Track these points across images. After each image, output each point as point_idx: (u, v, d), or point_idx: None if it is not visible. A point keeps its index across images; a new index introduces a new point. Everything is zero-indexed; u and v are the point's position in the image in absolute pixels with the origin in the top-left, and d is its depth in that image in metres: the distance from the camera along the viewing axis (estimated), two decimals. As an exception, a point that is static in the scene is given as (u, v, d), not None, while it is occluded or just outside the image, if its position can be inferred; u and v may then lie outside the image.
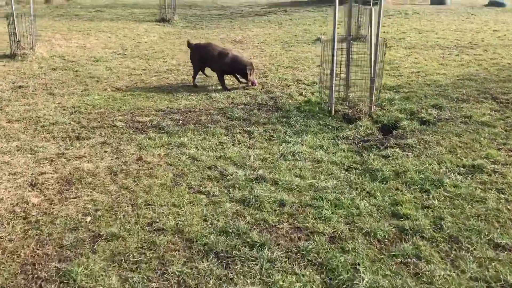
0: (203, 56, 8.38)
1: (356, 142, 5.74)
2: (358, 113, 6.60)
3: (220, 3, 23.79)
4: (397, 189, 4.48)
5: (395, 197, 4.30)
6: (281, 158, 5.32)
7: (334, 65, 6.61)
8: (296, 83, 8.47)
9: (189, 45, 8.81)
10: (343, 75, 7.11)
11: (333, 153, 5.44)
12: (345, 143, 5.72)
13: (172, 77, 9.26)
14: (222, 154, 5.45)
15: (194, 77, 8.51)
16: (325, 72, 7.04)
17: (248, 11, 20.78)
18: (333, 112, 6.68)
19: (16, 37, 10.82)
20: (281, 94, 7.66)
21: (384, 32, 14.18)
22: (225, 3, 23.86)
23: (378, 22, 6.46)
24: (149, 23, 17.12)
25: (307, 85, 8.28)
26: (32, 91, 8.23)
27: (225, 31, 15.58)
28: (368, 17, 11.44)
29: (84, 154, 5.52)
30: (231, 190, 4.55)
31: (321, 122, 6.41)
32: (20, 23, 11.05)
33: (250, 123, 6.43)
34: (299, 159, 5.27)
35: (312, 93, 7.75)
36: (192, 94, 7.94)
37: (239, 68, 8.02)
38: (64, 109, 7.19)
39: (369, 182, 4.64)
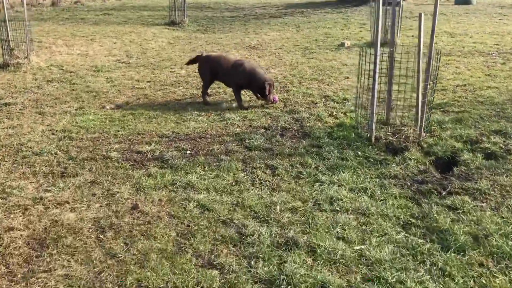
0: (214, 69, 7.20)
1: (409, 184, 4.53)
2: (404, 141, 5.38)
3: (232, 4, 22.64)
4: (481, 265, 3.26)
5: (483, 281, 3.08)
6: (316, 207, 4.14)
7: (376, 81, 5.39)
8: (323, 99, 7.26)
9: (198, 57, 7.62)
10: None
11: (381, 200, 4.23)
12: (395, 185, 4.52)
13: (180, 91, 8.11)
14: (239, 200, 4.29)
15: (204, 93, 7.35)
16: (359, 86, 5.83)
17: (262, 13, 19.60)
18: (373, 139, 5.47)
19: (9, 45, 9.75)
20: (308, 115, 6.46)
21: (412, 36, 12.91)
22: (237, 3, 22.71)
23: (432, 30, 5.24)
24: (158, 27, 16.05)
25: (337, 102, 7.07)
26: (20, 109, 7.15)
27: (239, 36, 14.43)
28: (391, 19, 10.20)
29: (67, 199, 4.40)
30: (253, 262, 3.38)
31: (359, 153, 5.21)
32: (16, 29, 9.99)
33: (272, 154, 5.25)
34: (339, 209, 4.09)
35: (344, 114, 6.54)
36: (203, 113, 6.78)
37: (256, 84, 6.81)
38: (52, 133, 6.09)
39: (439, 252, 3.43)
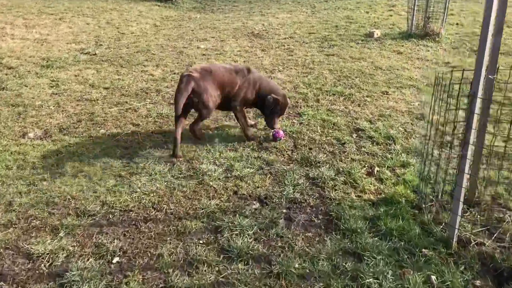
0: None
1: None
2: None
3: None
4: None
5: None
6: None
7: (469, 144, 2.86)
8: (355, 136, 4.71)
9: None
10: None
11: None
12: None
13: (144, 108, 5.58)
14: None
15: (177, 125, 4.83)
16: (429, 133, 3.33)
17: (272, -11, 16.72)
18: (454, 243, 2.95)
19: None
20: (332, 173, 3.95)
21: (456, 24, 10.16)
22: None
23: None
24: (148, 3, 13.43)
25: (377, 143, 4.52)
26: None
27: (242, 17, 11.76)
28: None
29: None
30: None
31: (434, 274, 2.69)
32: None
33: (270, 276, 2.76)
34: None
35: (393, 170, 3.99)
36: (163, 159, 4.27)
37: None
38: None
39: None
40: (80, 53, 8.22)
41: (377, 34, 9.31)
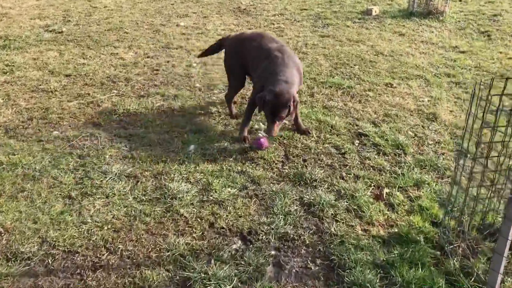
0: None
1: None
2: None
3: None
4: None
5: None
6: None
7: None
8: (357, 143, 3.97)
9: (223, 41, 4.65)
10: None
11: None
12: None
13: (109, 102, 4.77)
14: None
15: (230, 101, 4.42)
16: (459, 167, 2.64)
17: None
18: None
19: None
20: (332, 198, 3.19)
21: (460, 0, 9.35)
22: None
23: None
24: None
25: (384, 154, 3.78)
26: None
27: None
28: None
29: None
30: None
31: None
32: None
33: None
34: None
35: (405, 192, 3.27)
36: (124, 173, 3.51)
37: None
38: None
39: None
40: (44, 30, 7.28)
41: (375, 12, 8.46)
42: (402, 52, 6.37)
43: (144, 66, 5.79)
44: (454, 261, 2.62)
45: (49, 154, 3.76)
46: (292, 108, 3.68)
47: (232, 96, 4.39)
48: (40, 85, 5.19)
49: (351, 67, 5.74)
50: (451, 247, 2.70)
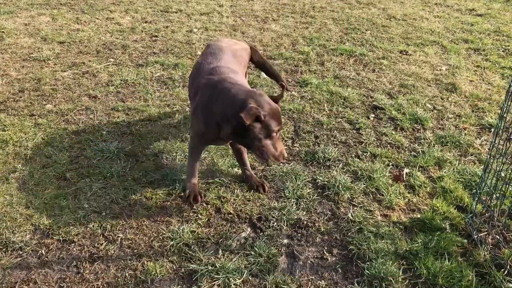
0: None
1: None
2: None
3: None
4: None
5: None
6: None
7: None
8: (372, 117, 3.70)
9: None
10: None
11: None
12: None
13: (105, 72, 4.45)
14: None
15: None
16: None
17: None
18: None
19: None
20: (348, 180, 2.96)
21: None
22: None
23: None
24: None
25: (402, 129, 3.51)
26: None
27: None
28: None
29: None
30: None
31: None
32: None
33: None
34: None
35: (433, 178, 3.03)
36: (123, 151, 3.27)
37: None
38: None
39: None
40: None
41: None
42: (416, 15, 5.99)
43: (142, 31, 5.45)
44: (484, 251, 2.40)
45: (42, 130, 3.50)
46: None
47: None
48: (31, 53, 4.87)
49: (363, 32, 5.39)
50: (480, 235, 2.47)
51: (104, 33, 5.40)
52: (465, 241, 2.50)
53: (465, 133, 3.47)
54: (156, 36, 5.34)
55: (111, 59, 4.75)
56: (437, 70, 4.48)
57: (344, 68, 4.47)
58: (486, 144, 3.34)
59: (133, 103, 3.89)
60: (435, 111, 3.78)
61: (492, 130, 3.42)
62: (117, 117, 3.67)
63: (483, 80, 4.29)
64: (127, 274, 2.31)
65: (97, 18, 5.89)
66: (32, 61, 4.70)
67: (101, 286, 2.25)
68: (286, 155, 2.56)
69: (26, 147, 3.29)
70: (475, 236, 2.48)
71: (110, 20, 5.82)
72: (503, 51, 4.99)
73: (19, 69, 4.51)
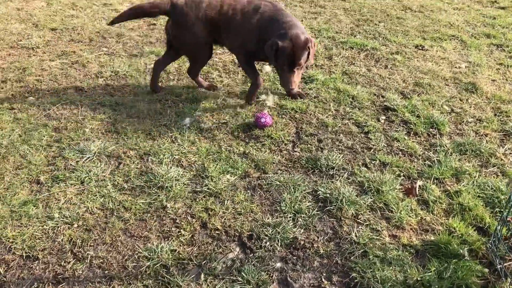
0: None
1: None
2: None
3: None
4: None
5: None
6: None
7: None
8: (383, 117, 3.34)
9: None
10: None
11: None
12: None
13: (96, 62, 4.16)
14: None
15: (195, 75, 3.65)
16: None
17: None
18: None
19: None
20: (353, 192, 2.62)
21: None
22: None
23: None
24: None
25: (416, 134, 3.18)
26: None
27: None
28: None
29: None
30: None
31: None
32: None
33: None
34: None
35: (450, 193, 2.67)
36: (105, 152, 2.95)
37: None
38: None
39: None
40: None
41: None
42: (433, 7, 5.59)
43: (140, 19, 5.11)
44: (509, 284, 2.06)
45: (20, 126, 3.21)
46: (311, 51, 3.09)
47: (198, 71, 3.65)
48: (20, 40, 4.58)
49: (376, 24, 5.01)
50: (504, 264, 2.13)
51: (100, 20, 5.08)
52: (486, 270, 2.16)
53: (486, 140, 3.11)
54: (154, 24, 5.02)
55: (104, 48, 4.43)
56: (455, 67, 4.10)
57: (353, 64, 4.11)
58: (510, 153, 2.98)
59: (122, 98, 3.58)
60: (453, 114, 3.41)
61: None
62: (103, 113, 3.37)
63: (506, 80, 3.91)
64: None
65: (94, 4, 5.58)
66: (20, 49, 4.41)
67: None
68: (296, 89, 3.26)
69: (1, 145, 3.00)
70: (499, 266, 2.14)
71: (107, 6, 5.50)
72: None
73: (4, 57, 4.22)
